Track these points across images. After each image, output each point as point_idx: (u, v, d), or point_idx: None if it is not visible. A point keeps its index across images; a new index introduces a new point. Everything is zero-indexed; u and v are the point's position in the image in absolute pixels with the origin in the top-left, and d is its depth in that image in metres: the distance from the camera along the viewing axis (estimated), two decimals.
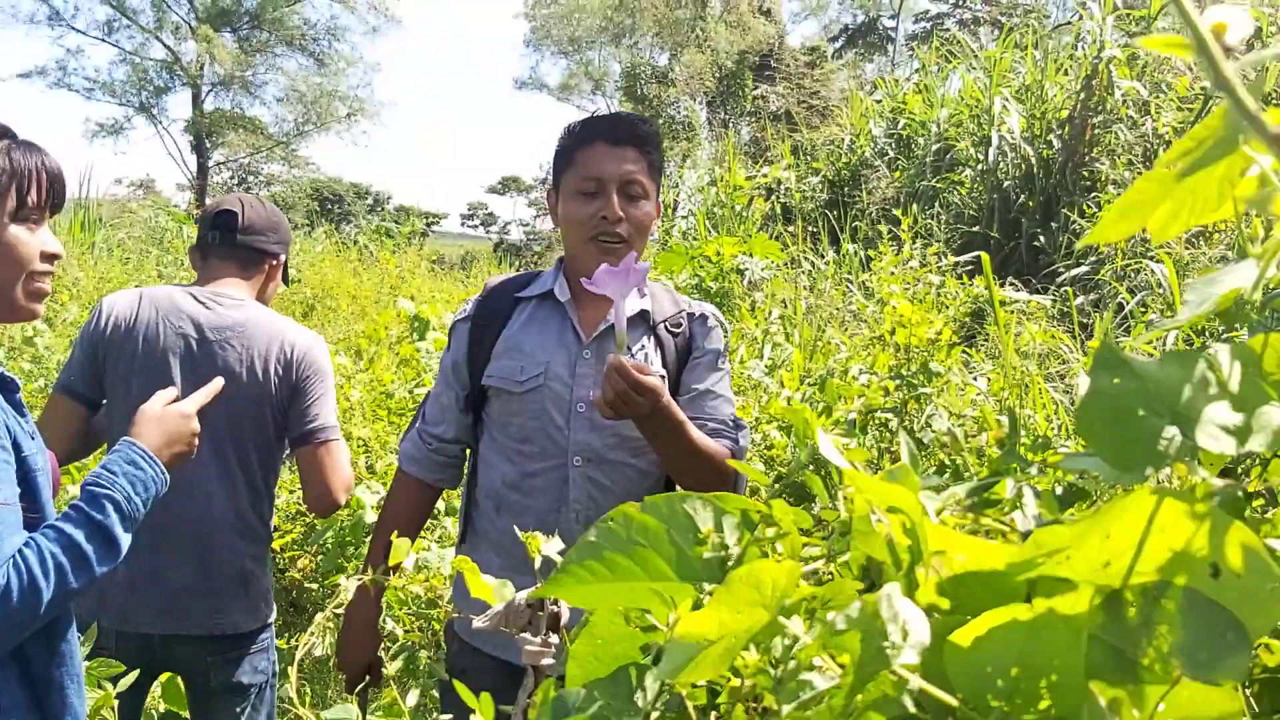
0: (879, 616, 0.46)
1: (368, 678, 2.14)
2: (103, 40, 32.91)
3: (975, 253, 4.98)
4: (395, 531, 2.13)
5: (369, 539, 2.55)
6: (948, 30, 18.97)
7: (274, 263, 2.48)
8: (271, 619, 2.44)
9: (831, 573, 0.65)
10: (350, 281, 9.21)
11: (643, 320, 2.16)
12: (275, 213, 2.51)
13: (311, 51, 34.53)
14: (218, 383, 1.89)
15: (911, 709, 0.48)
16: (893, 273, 3.60)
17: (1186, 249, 5.90)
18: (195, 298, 2.35)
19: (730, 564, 0.61)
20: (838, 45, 38.06)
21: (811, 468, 2.46)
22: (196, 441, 1.75)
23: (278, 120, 34.99)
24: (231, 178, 36.88)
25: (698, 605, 0.58)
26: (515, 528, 2.01)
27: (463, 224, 58.26)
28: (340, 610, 2.00)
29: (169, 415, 1.70)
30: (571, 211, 2.12)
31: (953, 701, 0.47)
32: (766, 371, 4.01)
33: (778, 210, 9.65)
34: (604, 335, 2.10)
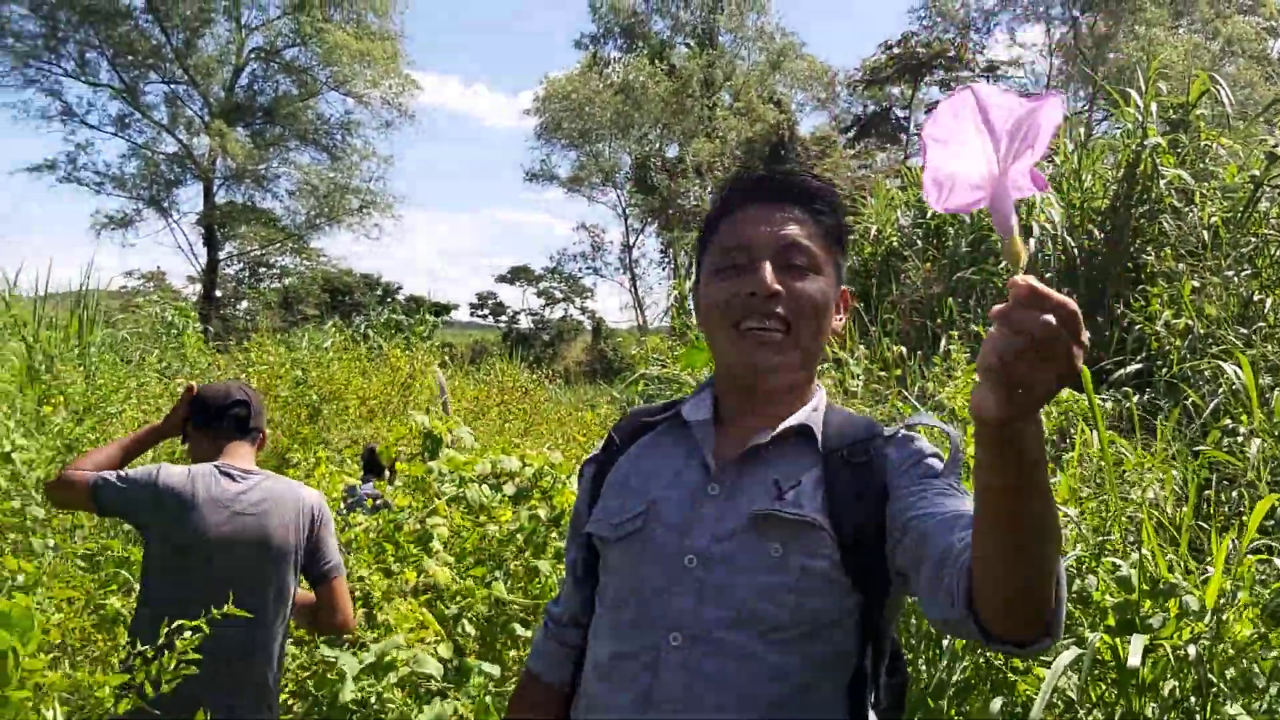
0: None
1: None
2: (115, 135, 33.16)
3: None
4: None
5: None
6: None
7: (265, 434, 3.08)
8: None
9: None
10: (359, 381, 8.76)
11: (807, 446, 1.51)
12: (259, 396, 3.11)
13: (325, 146, 34.83)
14: None
15: None
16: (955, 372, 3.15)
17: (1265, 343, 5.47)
18: (229, 475, 2.81)
19: None
20: (849, 135, 38.28)
21: None
22: None
23: (290, 213, 35.16)
24: (243, 270, 36.90)
25: None
26: None
27: (472, 313, 58.18)
28: None
29: None
30: (710, 296, 1.55)
31: None
32: None
33: None
34: (745, 463, 1.50)
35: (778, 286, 1.49)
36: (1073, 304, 0.91)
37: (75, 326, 9.80)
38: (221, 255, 34.53)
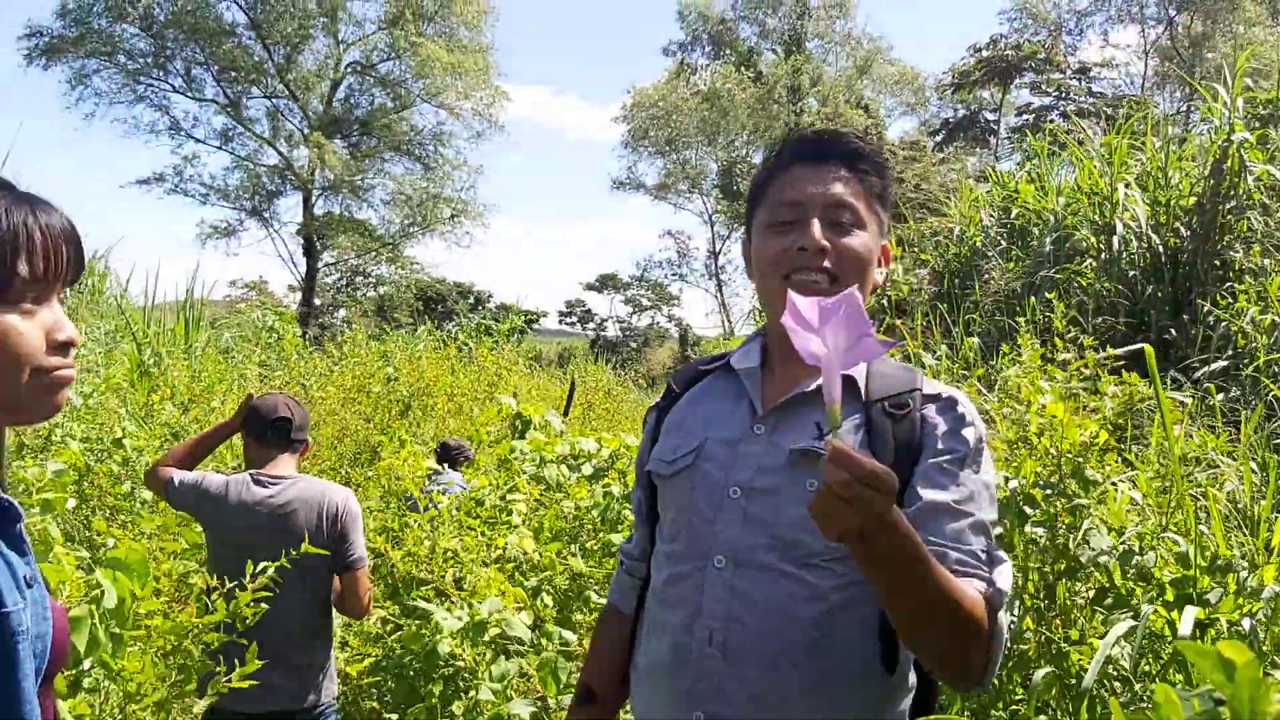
0: None
1: None
2: (219, 148, 34.35)
3: (1131, 346, 4.58)
4: (593, 669, 1.85)
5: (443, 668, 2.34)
6: (1053, 121, 18.59)
7: (307, 446, 3.50)
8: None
9: None
10: (447, 379, 9.04)
11: (850, 394, 1.60)
12: (304, 410, 3.54)
13: (418, 156, 35.54)
14: None
15: None
16: (1041, 367, 3.22)
17: None
18: (260, 482, 3.28)
19: None
20: (938, 139, 37.83)
21: None
22: None
23: (384, 222, 35.94)
24: (340, 279, 37.87)
25: None
26: (645, 675, 1.64)
27: (560, 321, 58.87)
28: None
29: None
30: (762, 250, 1.67)
31: None
32: None
33: (885, 304, 9.30)
34: (789, 406, 1.62)
35: (825, 242, 1.60)
36: (873, 466, 1.16)
37: (181, 328, 10.31)
38: (320, 265, 35.49)
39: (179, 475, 3.33)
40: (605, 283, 53.47)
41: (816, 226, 1.61)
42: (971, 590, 1.39)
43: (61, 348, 1.21)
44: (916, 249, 10.78)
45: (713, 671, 1.52)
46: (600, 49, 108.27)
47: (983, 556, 1.46)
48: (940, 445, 1.55)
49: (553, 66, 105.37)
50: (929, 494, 1.49)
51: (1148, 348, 3.00)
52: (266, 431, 3.38)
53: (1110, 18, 37.43)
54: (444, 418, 8.19)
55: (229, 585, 2.77)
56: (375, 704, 3.10)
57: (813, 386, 1.63)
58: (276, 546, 2.92)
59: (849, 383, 1.61)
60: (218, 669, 2.55)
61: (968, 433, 1.56)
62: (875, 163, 1.69)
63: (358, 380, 8.34)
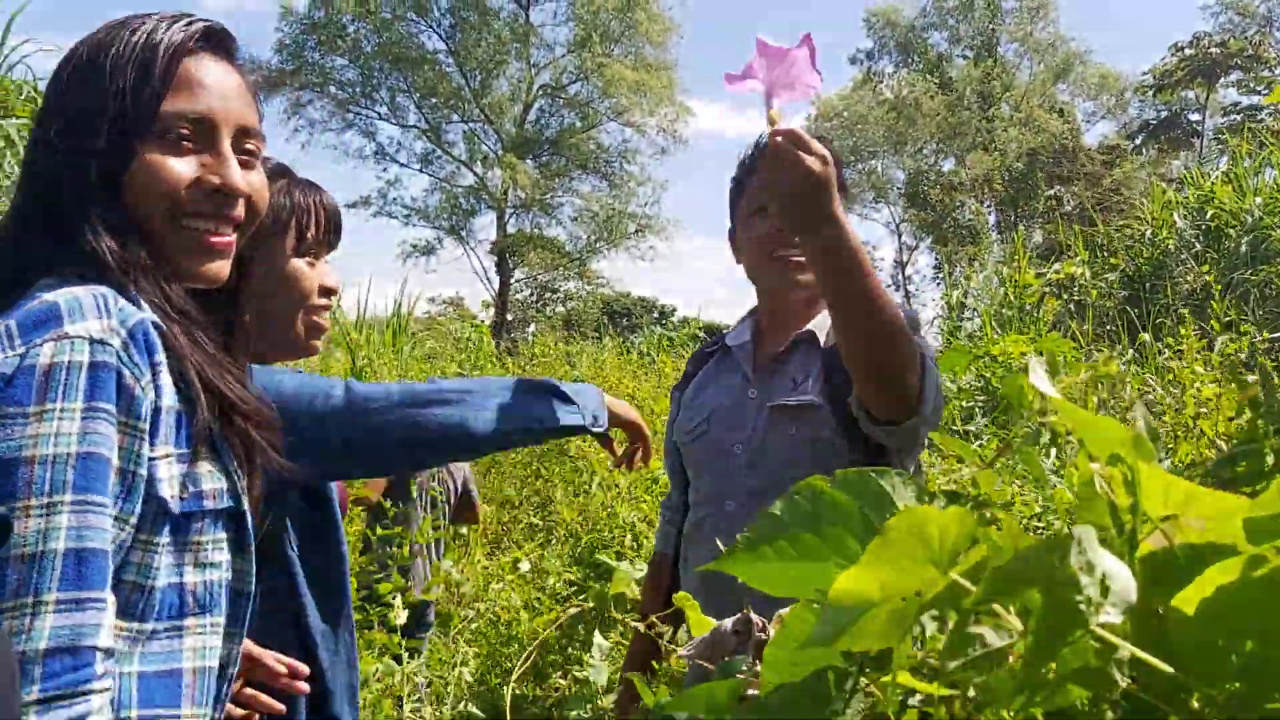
0: (1066, 562, 0.38)
1: None
2: (420, 171, 36.21)
3: None
4: (648, 599, 2.21)
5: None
6: (1261, 121, 17.62)
7: None
8: None
9: None
10: (630, 383, 9.45)
11: (809, 343, 1.97)
12: None
13: (604, 173, 36.44)
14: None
15: (1121, 683, 0.39)
16: (1198, 355, 3.26)
17: None
18: None
19: None
20: (1137, 142, 36.15)
21: None
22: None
23: (572, 239, 36.97)
24: (530, 295, 39.19)
25: None
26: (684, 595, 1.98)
27: None
28: None
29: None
30: (747, 233, 2.02)
31: (1174, 674, 0.38)
32: (1055, 469, 3.72)
33: (1072, 308, 9.13)
34: (770, 367, 1.98)
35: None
36: (808, 137, 1.47)
37: (390, 337, 11.11)
38: (512, 280, 36.84)
39: None
40: None
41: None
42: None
43: (326, 294, 1.64)
44: (1106, 253, 10.50)
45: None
46: None
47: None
48: None
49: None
50: None
51: None
52: None
53: None
54: None
55: None
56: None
57: (782, 347, 1.98)
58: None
59: (810, 337, 1.96)
60: None
61: None
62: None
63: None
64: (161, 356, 1.11)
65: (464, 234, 36.18)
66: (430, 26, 34.62)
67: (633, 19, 33.83)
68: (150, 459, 1.09)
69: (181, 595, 1.13)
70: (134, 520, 1.08)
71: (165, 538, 1.11)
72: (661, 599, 2.11)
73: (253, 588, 1.24)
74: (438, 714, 2.94)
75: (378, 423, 1.50)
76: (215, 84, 1.22)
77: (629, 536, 3.47)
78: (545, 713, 3.16)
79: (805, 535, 0.55)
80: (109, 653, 1.03)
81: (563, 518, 3.92)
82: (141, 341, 1.08)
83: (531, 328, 38.25)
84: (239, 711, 1.42)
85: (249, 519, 1.21)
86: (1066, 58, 38.41)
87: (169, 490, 1.10)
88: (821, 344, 1.93)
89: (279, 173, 1.59)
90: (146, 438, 1.08)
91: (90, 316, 1.06)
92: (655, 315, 41.70)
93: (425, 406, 1.52)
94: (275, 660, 1.44)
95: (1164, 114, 37.06)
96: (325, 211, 1.63)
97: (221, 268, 1.24)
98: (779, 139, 1.48)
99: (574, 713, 2.31)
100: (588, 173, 36.39)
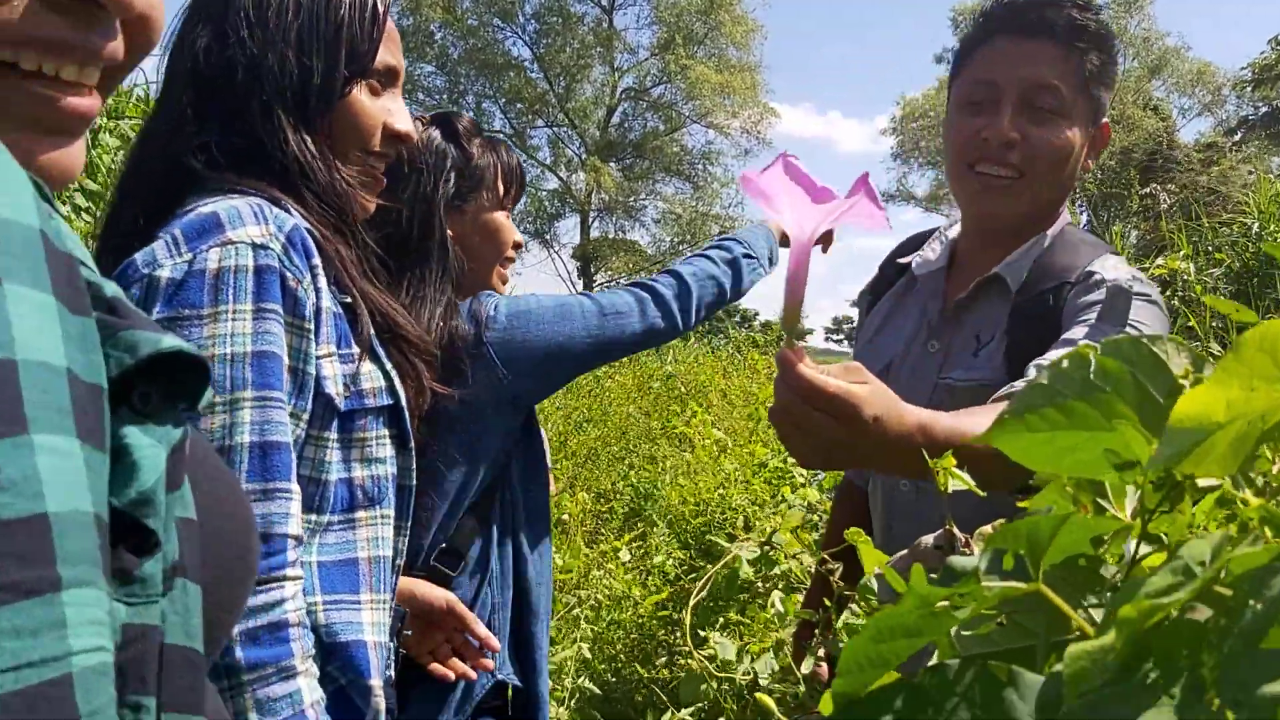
0: None
1: None
2: None
3: None
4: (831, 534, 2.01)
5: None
6: None
7: None
8: None
9: None
10: (720, 380, 9.59)
11: (1000, 288, 1.51)
12: None
13: (688, 176, 36.45)
14: None
15: None
16: None
17: None
18: None
19: None
20: (1236, 139, 35.07)
21: None
22: None
23: (655, 241, 37.03)
24: None
25: None
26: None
27: (826, 338, 58.59)
28: None
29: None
30: (950, 131, 1.56)
31: None
32: None
33: (1176, 305, 8.89)
34: (954, 314, 1.55)
35: (1014, 134, 1.45)
36: (825, 386, 0.91)
37: None
38: (596, 284, 37.03)
39: None
40: None
41: (1008, 114, 1.45)
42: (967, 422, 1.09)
43: (516, 246, 1.77)
44: (1211, 248, 10.20)
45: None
46: (860, 64, 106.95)
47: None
48: (1070, 316, 1.39)
49: (812, 84, 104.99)
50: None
51: None
52: None
53: None
54: (716, 412, 8.67)
55: None
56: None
57: (964, 294, 1.54)
58: None
59: (997, 282, 1.51)
60: None
61: (1097, 293, 1.38)
62: (1095, 39, 1.47)
63: (637, 379, 9.01)
64: (318, 260, 1.16)
65: (548, 238, 36.47)
66: (515, 32, 35.08)
67: (716, 21, 33.81)
68: (316, 357, 1.13)
69: (351, 489, 1.18)
70: (306, 416, 1.13)
71: (334, 434, 1.16)
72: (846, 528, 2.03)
73: (414, 482, 1.29)
74: (558, 688, 2.97)
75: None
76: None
77: (740, 519, 3.48)
78: (655, 694, 3.18)
79: (1076, 403, 0.54)
80: (298, 540, 1.07)
81: (670, 501, 3.93)
82: (300, 245, 1.13)
83: None
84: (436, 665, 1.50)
85: (406, 416, 1.26)
86: (1162, 53, 37.42)
87: (334, 388, 1.15)
88: (1013, 291, 1.49)
89: (473, 130, 1.69)
90: (312, 337, 1.13)
91: (249, 223, 1.10)
92: (737, 319, 41.63)
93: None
94: (476, 626, 1.52)
95: (1264, 110, 35.87)
96: (519, 171, 1.76)
97: None
98: (780, 394, 0.95)
99: (704, 686, 2.30)
100: (671, 175, 36.44)
